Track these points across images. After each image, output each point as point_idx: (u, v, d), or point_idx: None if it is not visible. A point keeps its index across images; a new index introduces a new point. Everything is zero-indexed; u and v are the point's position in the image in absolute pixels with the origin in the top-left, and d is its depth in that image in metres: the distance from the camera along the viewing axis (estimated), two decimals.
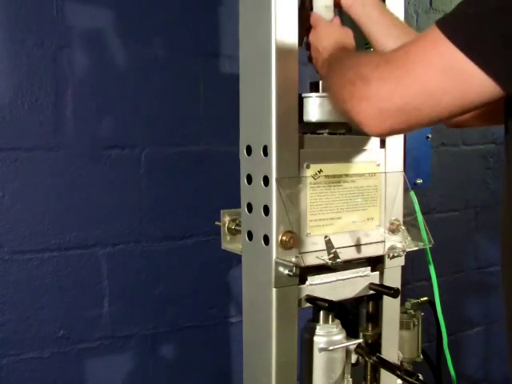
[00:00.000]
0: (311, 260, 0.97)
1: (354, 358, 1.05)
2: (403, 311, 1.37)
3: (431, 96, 0.67)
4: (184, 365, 1.56)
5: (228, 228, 1.10)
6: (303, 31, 1.01)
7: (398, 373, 0.96)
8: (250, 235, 1.00)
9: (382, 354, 1.08)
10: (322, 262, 0.94)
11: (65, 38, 1.32)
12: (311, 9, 1.03)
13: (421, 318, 1.40)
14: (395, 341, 1.14)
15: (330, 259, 0.93)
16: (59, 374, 1.38)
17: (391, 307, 1.11)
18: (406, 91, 0.67)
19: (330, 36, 0.97)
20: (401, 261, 1.10)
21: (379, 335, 1.11)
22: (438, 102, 0.67)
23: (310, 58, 1.03)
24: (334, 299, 0.97)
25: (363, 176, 1.06)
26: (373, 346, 1.10)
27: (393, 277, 1.10)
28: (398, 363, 1.15)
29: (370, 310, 1.11)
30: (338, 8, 1.05)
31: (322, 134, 1.04)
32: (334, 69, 0.84)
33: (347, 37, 0.99)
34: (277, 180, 0.93)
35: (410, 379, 0.93)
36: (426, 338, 1.48)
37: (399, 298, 1.08)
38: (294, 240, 0.94)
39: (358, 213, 1.06)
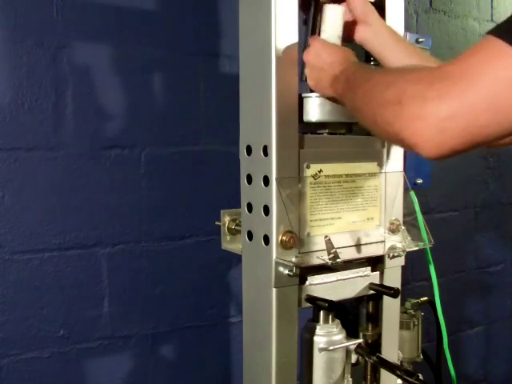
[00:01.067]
0: (311, 260, 0.96)
1: (354, 358, 1.05)
2: (403, 311, 1.37)
3: (499, 111, 0.61)
4: (184, 365, 1.56)
5: (228, 228, 1.10)
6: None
7: (398, 373, 0.96)
8: (250, 235, 1.00)
9: (382, 354, 1.08)
10: (322, 262, 0.94)
11: (65, 38, 1.32)
12: (319, 34, 0.99)
13: (421, 318, 1.40)
14: (395, 341, 1.14)
15: (330, 259, 0.93)
16: (59, 374, 1.38)
17: (391, 307, 1.11)
18: (473, 108, 0.61)
19: (333, 52, 0.92)
20: (401, 261, 1.10)
21: (379, 335, 1.11)
22: (505, 116, 0.62)
23: (305, 77, 0.97)
24: (334, 299, 0.97)
25: (363, 176, 1.06)
26: (373, 346, 1.10)
27: (393, 277, 1.10)
28: (398, 363, 1.15)
29: (370, 310, 1.11)
30: (348, 41, 1.01)
31: (321, 134, 1.04)
32: (359, 87, 0.79)
33: (351, 53, 0.94)
34: (277, 180, 0.93)
35: (410, 379, 0.93)
36: (426, 337, 1.48)
37: (399, 298, 1.08)
38: (294, 240, 0.94)
39: (358, 213, 1.06)
